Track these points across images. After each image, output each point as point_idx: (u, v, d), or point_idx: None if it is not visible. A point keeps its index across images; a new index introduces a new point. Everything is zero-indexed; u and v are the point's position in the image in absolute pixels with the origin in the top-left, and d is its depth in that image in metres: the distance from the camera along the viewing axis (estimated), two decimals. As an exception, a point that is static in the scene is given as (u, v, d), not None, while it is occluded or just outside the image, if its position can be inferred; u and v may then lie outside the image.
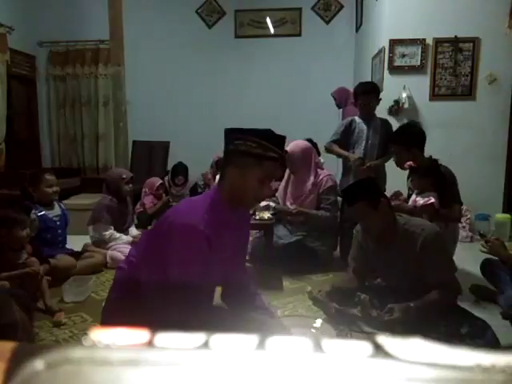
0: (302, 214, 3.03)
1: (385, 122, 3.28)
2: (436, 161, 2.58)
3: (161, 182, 4.60)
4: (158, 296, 1.33)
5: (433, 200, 2.43)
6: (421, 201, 2.47)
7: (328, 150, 3.29)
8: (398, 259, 2.01)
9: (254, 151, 1.37)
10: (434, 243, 1.94)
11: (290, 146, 3.14)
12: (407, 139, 2.66)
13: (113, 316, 1.49)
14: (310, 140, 4.24)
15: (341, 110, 4.70)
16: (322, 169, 3.25)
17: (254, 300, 1.70)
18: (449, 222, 2.55)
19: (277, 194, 3.29)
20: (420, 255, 1.94)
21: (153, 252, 1.42)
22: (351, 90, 4.38)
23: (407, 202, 2.70)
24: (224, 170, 1.47)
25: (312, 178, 3.11)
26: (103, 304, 1.65)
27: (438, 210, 2.46)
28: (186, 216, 1.38)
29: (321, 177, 3.13)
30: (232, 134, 1.42)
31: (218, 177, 5.10)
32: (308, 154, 3.16)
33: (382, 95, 3.51)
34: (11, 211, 2.40)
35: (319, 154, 3.84)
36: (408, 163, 2.55)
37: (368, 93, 3.14)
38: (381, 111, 3.73)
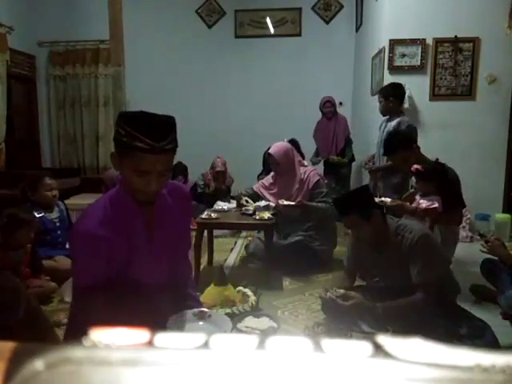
0: (305, 206, 3.03)
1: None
2: (442, 165, 2.57)
3: None
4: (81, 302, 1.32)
5: (436, 205, 2.42)
6: (424, 204, 2.46)
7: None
8: (389, 263, 2.02)
9: (123, 139, 1.19)
10: (419, 245, 1.94)
11: (271, 149, 3.23)
12: (399, 147, 2.70)
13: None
14: (293, 140, 4.31)
15: (320, 117, 4.86)
16: (305, 165, 3.29)
17: (187, 298, 1.59)
18: (450, 224, 2.55)
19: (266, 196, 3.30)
20: (407, 257, 1.95)
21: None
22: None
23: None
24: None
25: (298, 176, 3.15)
26: None
27: (441, 214, 2.46)
28: (81, 222, 1.31)
29: (307, 173, 3.17)
30: (118, 118, 1.25)
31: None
32: (290, 153, 3.23)
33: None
34: (20, 210, 2.40)
35: (302, 155, 3.93)
36: (414, 166, 2.53)
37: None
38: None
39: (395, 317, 1.94)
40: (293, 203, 3.00)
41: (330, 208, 3.03)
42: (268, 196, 3.24)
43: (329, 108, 4.68)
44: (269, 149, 5.19)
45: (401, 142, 2.72)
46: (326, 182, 3.33)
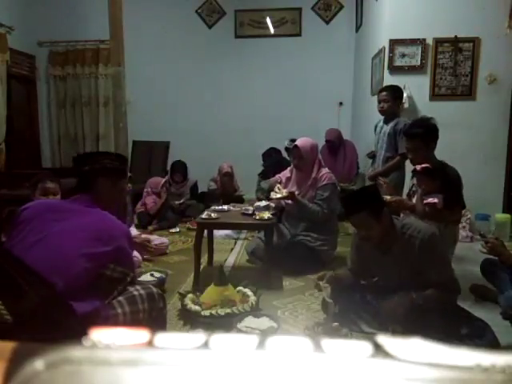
0: (294, 199, 3.02)
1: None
2: (445, 164, 2.56)
3: (165, 179, 4.63)
4: None
5: (436, 200, 2.43)
6: (424, 200, 2.48)
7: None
8: (396, 262, 2.01)
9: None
10: (431, 244, 1.93)
11: (298, 141, 3.19)
12: (426, 134, 2.59)
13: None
14: (294, 140, 4.29)
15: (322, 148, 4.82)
16: (324, 167, 3.27)
17: None
18: (448, 223, 2.55)
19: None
20: (418, 257, 1.94)
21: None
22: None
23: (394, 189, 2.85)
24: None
25: (313, 174, 3.14)
26: None
27: (440, 211, 2.45)
28: (117, 222, 1.71)
29: (321, 173, 3.15)
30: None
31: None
32: (314, 150, 3.20)
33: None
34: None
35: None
36: (423, 165, 2.49)
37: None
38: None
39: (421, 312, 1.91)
40: (283, 195, 3.01)
41: (319, 212, 3.03)
42: (282, 189, 3.23)
43: (329, 144, 4.74)
44: (268, 149, 5.22)
45: (434, 130, 2.62)
46: (338, 189, 3.30)
